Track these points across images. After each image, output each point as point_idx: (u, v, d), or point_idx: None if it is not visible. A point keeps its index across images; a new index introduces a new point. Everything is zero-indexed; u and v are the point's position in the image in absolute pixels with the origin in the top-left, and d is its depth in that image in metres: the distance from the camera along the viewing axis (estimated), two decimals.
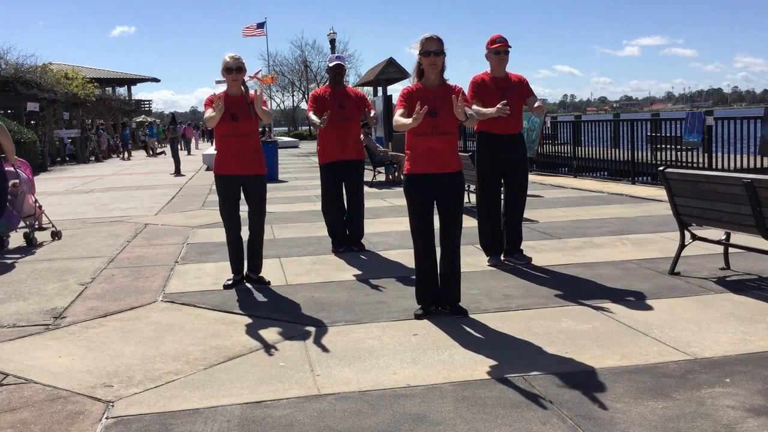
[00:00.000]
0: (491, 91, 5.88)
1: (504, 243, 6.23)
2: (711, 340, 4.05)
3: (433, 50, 4.57)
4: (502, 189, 6.25)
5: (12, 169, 8.14)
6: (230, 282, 5.69)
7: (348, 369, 3.78)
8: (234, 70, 5.40)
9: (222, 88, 5.59)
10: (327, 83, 7.25)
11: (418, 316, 4.67)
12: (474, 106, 5.61)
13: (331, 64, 7.09)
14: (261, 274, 5.79)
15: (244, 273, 5.78)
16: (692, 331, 4.22)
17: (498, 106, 5.28)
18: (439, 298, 4.76)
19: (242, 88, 5.50)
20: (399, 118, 4.63)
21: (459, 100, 4.39)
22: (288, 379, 3.68)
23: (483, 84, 5.91)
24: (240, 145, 5.45)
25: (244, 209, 5.63)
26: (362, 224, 7.22)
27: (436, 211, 4.71)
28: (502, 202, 6.27)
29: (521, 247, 6.27)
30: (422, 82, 4.69)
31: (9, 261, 7.21)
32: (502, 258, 6.21)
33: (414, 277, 4.88)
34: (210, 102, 5.42)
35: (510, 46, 5.92)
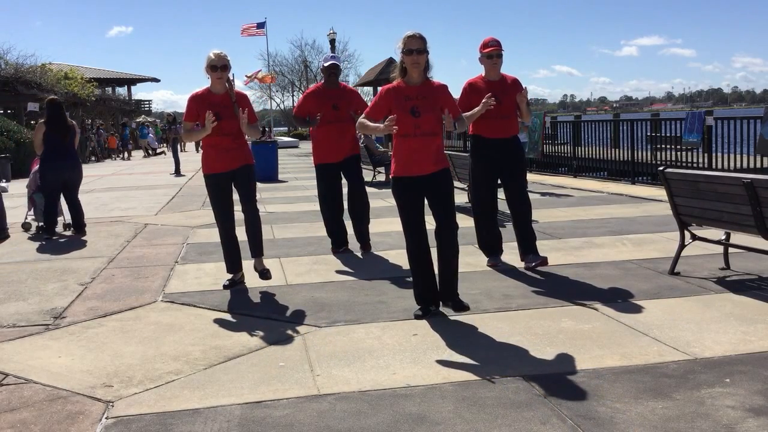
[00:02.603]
0: (484, 95, 5.78)
1: (518, 245, 6.09)
2: (711, 340, 4.05)
3: (415, 48, 4.46)
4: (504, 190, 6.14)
5: None
6: (229, 282, 5.67)
7: (348, 369, 3.78)
8: (219, 68, 5.30)
9: None
10: (321, 82, 7.07)
11: (417, 317, 4.66)
12: (463, 114, 5.61)
13: (326, 64, 6.90)
14: (265, 267, 5.67)
15: (242, 273, 5.75)
16: (692, 331, 4.22)
17: (483, 101, 5.28)
18: (437, 297, 4.74)
19: (227, 85, 5.42)
20: (362, 120, 4.65)
21: (447, 113, 4.40)
22: (288, 379, 3.68)
23: (476, 88, 5.84)
24: (225, 143, 5.40)
25: (237, 209, 5.62)
26: (367, 222, 7.03)
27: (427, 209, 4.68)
28: (506, 203, 6.13)
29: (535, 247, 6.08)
30: (404, 81, 4.58)
31: (9, 261, 7.22)
32: (520, 261, 6.07)
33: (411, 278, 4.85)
34: (191, 109, 5.35)
35: (503, 50, 5.86)
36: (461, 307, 4.67)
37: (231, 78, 5.53)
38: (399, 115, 4.47)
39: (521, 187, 6.09)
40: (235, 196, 5.63)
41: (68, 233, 8.87)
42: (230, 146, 5.43)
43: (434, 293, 4.73)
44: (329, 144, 6.80)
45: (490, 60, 5.84)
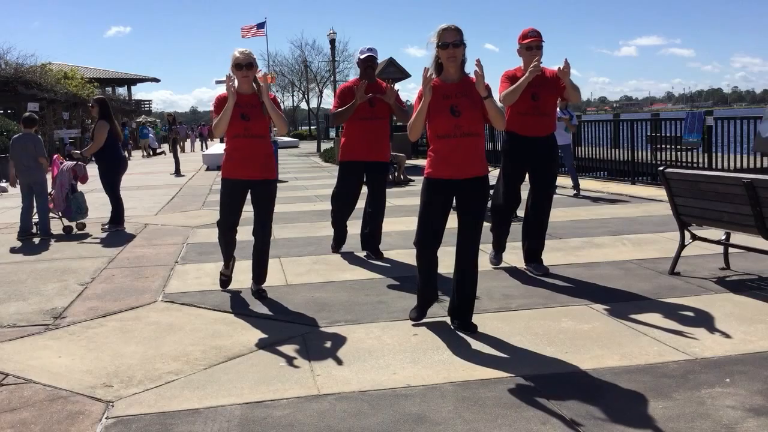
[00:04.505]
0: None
1: (524, 248, 5.95)
2: (711, 340, 4.05)
3: (451, 41, 4.15)
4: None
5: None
6: (225, 278, 5.56)
7: (348, 369, 3.78)
8: (244, 66, 4.97)
9: (221, 89, 5.26)
10: (356, 77, 6.70)
11: (413, 319, 4.56)
12: (502, 93, 5.31)
13: (362, 56, 6.46)
14: (263, 289, 5.44)
15: (232, 263, 5.58)
16: (692, 331, 4.22)
17: (529, 69, 5.03)
18: (434, 301, 4.60)
19: (254, 85, 5.07)
20: (409, 123, 4.33)
21: (481, 73, 4.04)
22: (288, 379, 3.68)
23: (514, 80, 5.40)
24: (251, 147, 5.07)
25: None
26: (380, 230, 6.77)
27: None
28: (526, 204, 5.88)
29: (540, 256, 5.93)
30: (441, 78, 4.26)
31: (9, 261, 7.22)
32: (524, 267, 5.96)
33: (415, 279, 4.70)
34: (218, 106, 5.05)
35: (543, 41, 5.46)
36: (469, 327, 4.37)
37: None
38: (438, 116, 4.21)
39: (548, 194, 5.79)
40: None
41: (75, 233, 8.87)
42: (257, 151, 5.09)
43: (432, 298, 4.60)
44: (361, 141, 6.42)
45: (529, 52, 5.44)
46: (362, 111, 6.32)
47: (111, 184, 9.07)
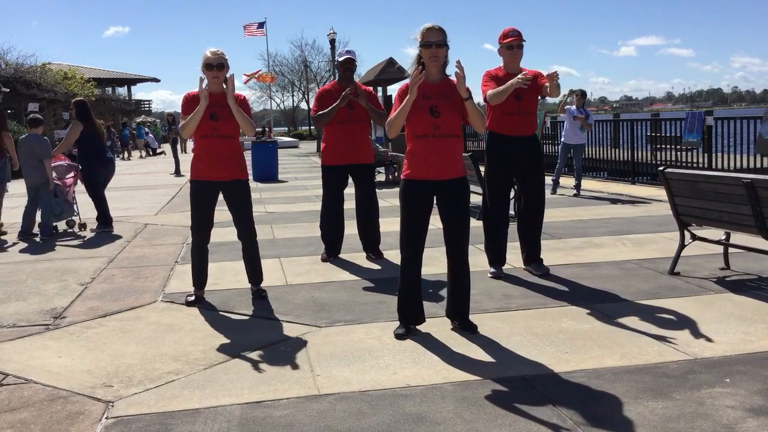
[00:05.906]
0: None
1: (521, 249, 5.95)
2: (711, 340, 4.04)
3: (434, 41, 4.14)
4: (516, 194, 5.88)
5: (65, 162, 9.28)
6: (194, 298, 5.30)
7: (348, 369, 3.78)
8: (215, 66, 4.91)
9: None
10: (336, 79, 6.71)
11: (398, 336, 4.29)
12: (489, 91, 5.29)
13: (341, 59, 6.52)
14: (261, 286, 5.44)
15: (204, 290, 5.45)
16: (692, 331, 4.22)
17: (518, 77, 4.95)
18: (421, 315, 4.44)
19: (224, 86, 4.98)
20: (391, 115, 4.30)
21: (462, 74, 4.03)
22: (288, 379, 3.68)
23: (497, 79, 5.41)
24: (219, 148, 4.98)
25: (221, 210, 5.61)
26: (377, 230, 6.77)
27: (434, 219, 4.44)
28: (518, 207, 5.84)
29: (541, 256, 5.93)
30: (423, 78, 4.20)
31: (9, 261, 7.22)
32: (524, 267, 5.95)
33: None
34: (189, 108, 4.90)
35: (524, 40, 5.50)
36: (468, 327, 4.36)
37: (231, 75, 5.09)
38: (417, 115, 4.19)
39: (537, 193, 5.78)
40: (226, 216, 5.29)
41: (78, 232, 8.88)
42: (225, 152, 5.02)
43: (418, 313, 4.43)
44: (341, 145, 6.43)
45: (510, 51, 5.47)
46: (341, 114, 6.35)
47: (92, 185, 9.01)
